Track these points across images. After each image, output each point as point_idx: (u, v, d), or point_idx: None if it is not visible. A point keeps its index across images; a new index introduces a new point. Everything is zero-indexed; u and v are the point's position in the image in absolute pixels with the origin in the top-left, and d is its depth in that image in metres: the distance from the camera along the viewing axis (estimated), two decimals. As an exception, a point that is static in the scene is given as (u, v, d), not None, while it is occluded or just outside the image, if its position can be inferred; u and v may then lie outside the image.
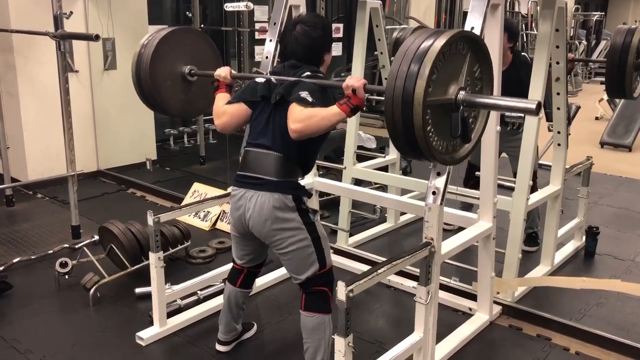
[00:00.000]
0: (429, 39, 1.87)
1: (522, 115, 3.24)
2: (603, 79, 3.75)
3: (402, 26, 5.74)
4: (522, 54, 3.86)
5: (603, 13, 15.33)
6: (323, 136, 2.26)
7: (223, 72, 2.54)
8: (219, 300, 3.05)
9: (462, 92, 1.95)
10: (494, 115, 2.69)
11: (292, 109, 2.14)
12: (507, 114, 3.42)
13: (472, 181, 3.65)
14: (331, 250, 3.63)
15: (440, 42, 1.84)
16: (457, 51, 1.96)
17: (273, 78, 2.32)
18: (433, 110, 1.88)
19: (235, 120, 2.40)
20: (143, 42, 2.78)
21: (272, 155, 2.26)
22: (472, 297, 3.07)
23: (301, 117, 2.10)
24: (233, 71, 2.56)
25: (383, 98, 1.93)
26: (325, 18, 2.72)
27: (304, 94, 2.14)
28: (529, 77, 3.11)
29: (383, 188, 4.22)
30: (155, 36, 2.76)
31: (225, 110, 2.41)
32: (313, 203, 3.53)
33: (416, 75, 1.81)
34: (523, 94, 3.11)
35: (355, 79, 2.11)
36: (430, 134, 1.90)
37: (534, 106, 1.84)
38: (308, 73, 2.28)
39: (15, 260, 3.49)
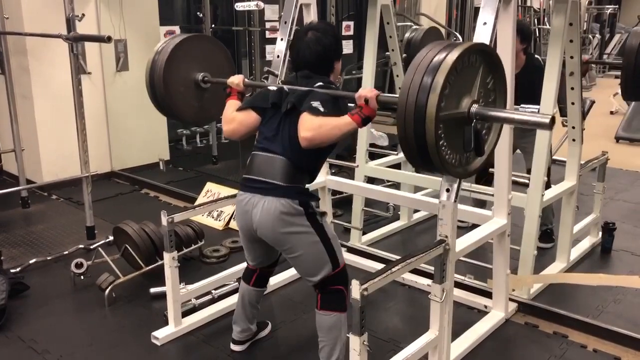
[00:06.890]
0: (442, 53, 1.83)
1: (537, 111, 3.22)
2: (618, 73, 3.71)
3: (414, 27, 5.66)
4: (536, 57, 3.82)
5: (617, 6, 15.15)
6: (332, 145, 2.27)
7: (236, 79, 2.57)
8: (233, 300, 3.06)
9: (475, 106, 1.90)
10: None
11: (303, 117, 2.16)
12: (520, 108, 3.39)
13: (484, 178, 3.63)
14: (344, 249, 3.67)
15: (453, 56, 1.80)
16: (469, 64, 1.91)
17: (285, 87, 2.33)
18: (446, 124, 1.85)
19: (243, 127, 2.42)
20: (157, 48, 2.77)
21: (280, 160, 2.26)
22: (488, 294, 3.05)
23: (312, 126, 2.12)
24: (246, 79, 2.58)
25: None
26: (335, 26, 2.76)
27: (316, 104, 2.16)
28: (542, 82, 3.09)
29: (396, 186, 4.20)
30: (169, 43, 2.75)
31: (235, 117, 2.43)
32: (326, 202, 3.53)
33: (429, 89, 1.77)
34: (535, 98, 3.09)
35: (368, 89, 2.13)
36: (443, 148, 1.87)
37: (547, 120, 1.80)
38: (320, 83, 2.29)
39: (31, 261, 3.53)
